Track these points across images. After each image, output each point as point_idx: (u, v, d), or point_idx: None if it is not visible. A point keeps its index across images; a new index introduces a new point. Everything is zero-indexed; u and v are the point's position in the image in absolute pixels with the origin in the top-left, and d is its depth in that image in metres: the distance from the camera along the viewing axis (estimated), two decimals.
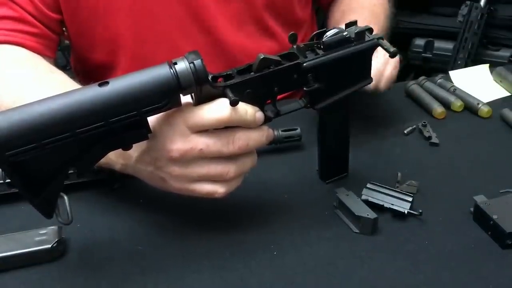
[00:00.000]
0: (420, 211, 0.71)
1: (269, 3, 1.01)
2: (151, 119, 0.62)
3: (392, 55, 0.68)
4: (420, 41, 2.18)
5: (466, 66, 1.93)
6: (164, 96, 0.59)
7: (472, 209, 0.72)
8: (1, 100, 0.78)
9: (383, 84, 0.88)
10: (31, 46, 0.90)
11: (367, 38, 0.69)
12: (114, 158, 0.69)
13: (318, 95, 0.69)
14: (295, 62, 0.65)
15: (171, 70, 0.58)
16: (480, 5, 2.01)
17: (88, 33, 0.97)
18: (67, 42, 1.12)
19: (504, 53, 2.07)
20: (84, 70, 1.07)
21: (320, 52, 0.67)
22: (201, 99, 0.62)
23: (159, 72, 0.58)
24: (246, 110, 0.63)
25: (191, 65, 0.59)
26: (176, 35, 0.97)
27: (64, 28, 0.99)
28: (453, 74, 1.08)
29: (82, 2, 0.93)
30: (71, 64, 1.17)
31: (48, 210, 0.63)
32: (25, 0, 0.89)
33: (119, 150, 0.62)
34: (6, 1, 0.88)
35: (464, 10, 2.05)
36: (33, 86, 0.79)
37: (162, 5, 0.95)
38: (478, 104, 0.95)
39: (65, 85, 0.78)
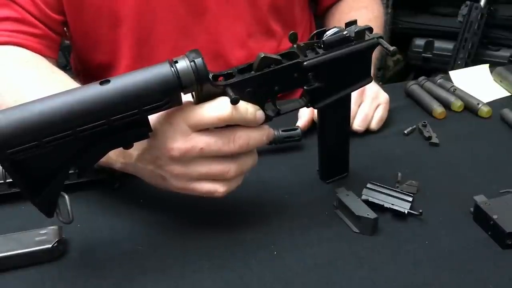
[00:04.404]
0: (420, 211, 0.71)
1: (273, 4, 1.02)
2: (152, 118, 0.62)
3: (391, 54, 0.68)
4: (420, 41, 2.19)
5: (466, 66, 1.93)
6: (165, 95, 0.59)
7: (472, 209, 0.72)
8: (3, 100, 0.79)
9: (374, 125, 0.90)
10: (33, 47, 0.90)
11: (367, 37, 0.69)
12: (114, 157, 0.69)
13: (318, 94, 0.69)
14: (295, 61, 0.65)
15: (172, 69, 0.59)
16: (480, 5, 2.01)
17: (92, 33, 0.98)
18: (67, 42, 1.12)
19: (504, 53, 2.07)
20: (85, 70, 1.08)
21: (321, 51, 0.67)
22: (202, 98, 0.62)
23: (160, 71, 0.58)
24: (247, 108, 0.63)
25: (192, 63, 0.59)
26: (178, 35, 0.98)
27: (65, 29, 0.99)
28: (453, 74, 1.08)
29: (87, 3, 0.93)
30: (71, 64, 1.17)
31: (48, 209, 0.63)
32: (27, 1, 0.89)
33: (120, 149, 0.63)
34: (8, 2, 0.88)
35: (464, 10, 2.05)
36: (35, 87, 0.79)
37: (165, 5, 0.95)
38: (478, 104, 0.95)
39: (66, 85, 0.78)
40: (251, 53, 1.01)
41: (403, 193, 0.74)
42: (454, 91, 1.00)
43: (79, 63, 1.09)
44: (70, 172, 0.74)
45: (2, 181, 0.74)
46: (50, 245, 0.66)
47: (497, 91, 1.03)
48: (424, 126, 0.90)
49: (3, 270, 0.65)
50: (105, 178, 0.77)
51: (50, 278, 0.64)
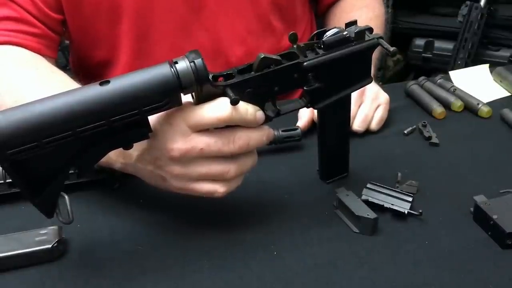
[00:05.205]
0: (420, 211, 0.71)
1: (275, 1, 1.02)
2: (152, 118, 0.62)
3: (392, 54, 0.68)
4: (420, 41, 2.19)
5: (466, 66, 1.93)
6: (165, 95, 0.59)
7: (472, 209, 0.72)
8: (3, 100, 0.79)
9: (374, 126, 0.91)
10: (32, 47, 0.90)
11: (367, 38, 0.69)
12: (114, 157, 0.69)
13: (318, 94, 0.69)
14: (295, 61, 0.65)
15: (172, 69, 0.58)
16: (480, 5, 2.01)
17: (91, 30, 0.98)
18: (67, 42, 1.12)
19: (504, 53, 2.07)
20: (84, 69, 1.08)
21: (321, 51, 0.67)
22: (202, 99, 0.62)
23: (160, 71, 0.58)
24: (247, 109, 0.63)
25: (192, 64, 0.59)
26: (177, 32, 0.98)
27: (64, 28, 0.99)
28: (453, 74, 1.08)
29: (85, 0, 0.93)
30: (70, 64, 1.17)
31: (48, 209, 0.63)
32: (26, 1, 0.89)
33: (120, 149, 0.63)
34: (7, 2, 0.88)
35: (464, 10, 2.05)
36: (34, 87, 0.79)
37: (164, 1, 0.95)
38: (478, 104, 0.95)
39: (66, 85, 0.79)
40: (250, 50, 1.01)
41: (403, 193, 0.74)
42: (454, 91, 1.00)
43: (78, 61, 1.09)
44: (70, 172, 0.74)
45: (2, 181, 0.74)
46: (50, 245, 0.66)
47: (497, 91, 1.03)
48: (424, 126, 0.90)
49: (3, 270, 0.65)
50: (105, 178, 0.77)
51: (50, 278, 0.64)
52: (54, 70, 0.86)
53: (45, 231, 0.67)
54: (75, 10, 0.95)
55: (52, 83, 0.80)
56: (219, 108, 0.61)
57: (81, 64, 1.07)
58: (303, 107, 0.71)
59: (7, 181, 0.74)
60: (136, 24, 0.97)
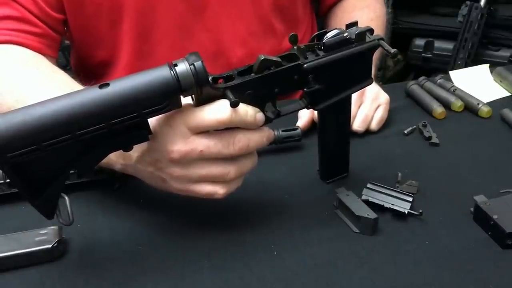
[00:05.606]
0: (420, 211, 0.71)
1: (276, 3, 1.02)
2: (152, 121, 0.62)
3: (392, 56, 0.68)
4: (420, 41, 2.19)
5: (466, 66, 1.93)
6: (165, 98, 0.59)
7: (472, 209, 0.72)
8: (4, 100, 0.79)
9: (374, 126, 0.91)
10: (33, 46, 0.90)
11: (367, 39, 0.69)
12: (114, 158, 0.69)
13: (318, 96, 0.69)
14: (295, 63, 0.65)
15: (172, 72, 0.58)
16: (480, 5, 2.01)
17: (92, 30, 0.98)
18: (67, 42, 1.12)
19: (504, 53, 2.07)
20: (85, 69, 1.08)
21: (321, 53, 0.67)
22: (202, 101, 0.62)
23: (159, 74, 0.58)
24: (247, 111, 0.63)
25: (192, 66, 0.59)
26: (178, 33, 0.98)
27: (65, 28, 0.99)
28: (453, 74, 1.08)
29: (87, 0, 0.93)
30: (71, 64, 1.17)
31: (49, 211, 0.63)
32: (27, 0, 0.89)
33: (120, 151, 0.63)
34: (8, 1, 0.88)
35: (464, 10, 2.05)
36: (35, 86, 0.79)
37: (166, 2, 0.95)
38: (478, 104, 0.95)
39: (67, 84, 0.79)
40: (251, 52, 1.02)
41: (403, 193, 0.74)
42: (454, 91, 1.00)
43: (79, 61, 1.09)
44: (70, 172, 0.74)
45: (2, 181, 0.74)
46: (50, 245, 0.66)
47: (497, 91, 1.03)
48: (424, 126, 0.90)
49: (3, 270, 0.65)
50: (105, 178, 0.77)
51: (50, 278, 0.65)
52: (55, 70, 0.86)
53: (45, 231, 0.67)
54: (76, 9, 0.95)
55: (53, 83, 0.80)
56: (219, 111, 0.61)
57: (82, 64, 1.07)
58: (303, 108, 0.70)
59: (7, 181, 0.74)
60: (138, 24, 0.97)
